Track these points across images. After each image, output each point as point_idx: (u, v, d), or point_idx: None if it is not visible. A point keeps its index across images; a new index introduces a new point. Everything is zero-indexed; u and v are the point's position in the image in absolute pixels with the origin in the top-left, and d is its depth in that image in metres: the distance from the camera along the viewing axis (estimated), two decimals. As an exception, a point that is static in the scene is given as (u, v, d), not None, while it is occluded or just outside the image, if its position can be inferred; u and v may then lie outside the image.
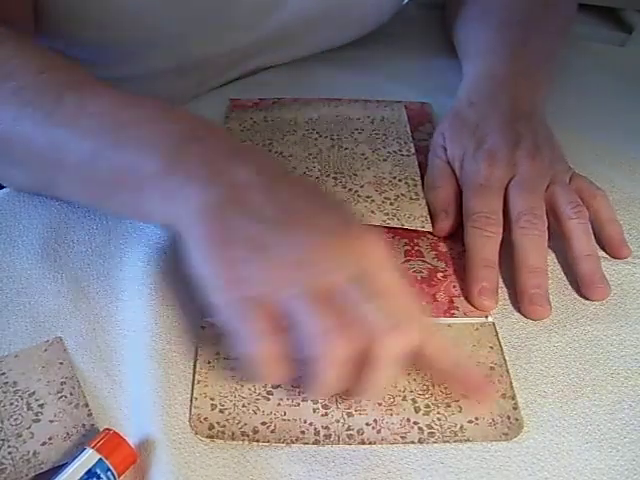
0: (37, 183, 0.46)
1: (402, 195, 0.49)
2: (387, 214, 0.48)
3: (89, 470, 0.34)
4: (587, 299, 0.44)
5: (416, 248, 0.47)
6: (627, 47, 0.68)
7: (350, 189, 0.49)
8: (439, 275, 0.45)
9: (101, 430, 0.36)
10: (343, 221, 0.36)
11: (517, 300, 0.44)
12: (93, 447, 0.35)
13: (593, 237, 0.46)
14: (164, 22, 0.54)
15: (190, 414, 0.38)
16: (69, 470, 0.34)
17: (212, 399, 0.38)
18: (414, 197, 0.49)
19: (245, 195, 0.35)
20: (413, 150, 0.54)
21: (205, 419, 0.38)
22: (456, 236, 0.48)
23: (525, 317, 0.43)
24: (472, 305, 0.43)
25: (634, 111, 0.57)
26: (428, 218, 0.48)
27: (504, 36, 0.57)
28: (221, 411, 0.38)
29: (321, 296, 0.33)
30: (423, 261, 0.46)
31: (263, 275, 0.33)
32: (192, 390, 0.39)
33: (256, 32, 0.59)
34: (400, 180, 0.51)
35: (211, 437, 0.37)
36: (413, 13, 0.68)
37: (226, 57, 0.61)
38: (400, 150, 0.54)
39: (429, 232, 0.48)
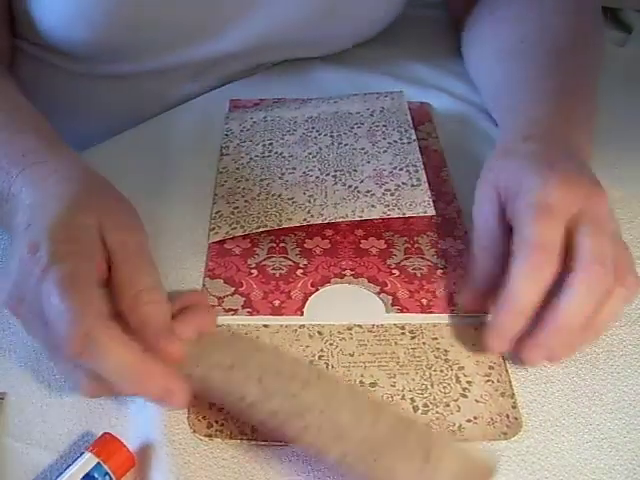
0: None
1: (403, 184, 0.49)
2: (387, 205, 0.47)
3: (87, 474, 0.34)
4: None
5: (416, 246, 0.47)
6: (627, 47, 0.68)
7: (350, 186, 0.49)
8: (439, 272, 0.45)
9: (99, 434, 0.36)
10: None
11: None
12: (91, 451, 0.35)
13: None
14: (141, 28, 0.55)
15: (188, 413, 0.38)
16: (67, 474, 0.34)
17: None
18: (415, 183, 0.48)
19: None
20: (414, 137, 0.53)
21: (204, 417, 0.37)
22: (456, 234, 0.48)
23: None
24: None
25: (634, 111, 0.57)
26: (430, 202, 0.47)
27: (551, 81, 0.51)
28: (219, 409, 0.38)
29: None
30: (423, 258, 0.46)
31: None
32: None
33: (224, 42, 0.59)
34: (401, 169, 0.50)
35: (209, 436, 0.37)
36: (413, 13, 0.68)
37: (196, 65, 0.61)
38: (401, 139, 0.53)
39: (429, 230, 0.48)
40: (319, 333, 0.42)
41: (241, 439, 0.37)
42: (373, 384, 0.39)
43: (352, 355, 0.41)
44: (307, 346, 0.41)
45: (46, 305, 0.35)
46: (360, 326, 0.42)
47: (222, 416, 0.38)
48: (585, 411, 0.39)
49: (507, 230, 0.41)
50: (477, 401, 0.38)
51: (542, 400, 0.39)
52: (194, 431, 0.37)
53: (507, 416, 0.38)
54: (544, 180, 0.40)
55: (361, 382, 0.39)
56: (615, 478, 0.36)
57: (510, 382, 0.39)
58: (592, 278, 0.37)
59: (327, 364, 0.40)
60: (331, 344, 0.41)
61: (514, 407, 0.38)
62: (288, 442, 0.36)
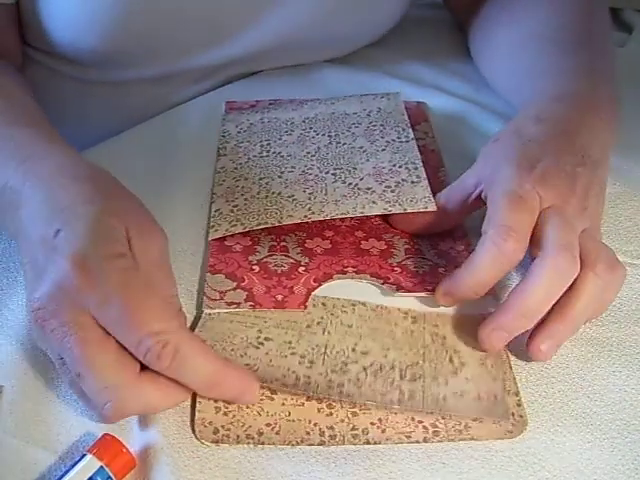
0: None
1: (403, 181, 0.49)
2: (388, 202, 0.47)
3: (90, 478, 0.34)
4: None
5: (416, 247, 0.47)
6: (627, 47, 0.68)
7: (350, 183, 0.49)
8: (440, 270, 0.45)
9: (99, 435, 0.36)
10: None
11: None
12: (93, 454, 0.34)
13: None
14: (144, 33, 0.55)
15: (194, 418, 0.37)
16: (68, 476, 0.34)
17: (216, 402, 0.38)
18: (415, 180, 0.48)
19: None
20: (412, 135, 0.53)
21: (210, 423, 0.37)
22: (456, 235, 0.48)
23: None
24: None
25: (634, 111, 0.57)
26: (431, 198, 0.47)
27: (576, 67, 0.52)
28: (225, 414, 0.37)
29: None
30: (424, 258, 0.46)
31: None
32: (195, 393, 0.38)
33: (232, 48, 0.59)
34: (400, 167, 0.50)
35: (216, 442, 0.36)
36: (413, 13, 0.68)
37: (200, 70, 0.61)
38: (399, 138, 0.53)
39: (430, 233, 0.47)
40: (323, 305, 0.43)
41: (248, 443, 0.36)
42: (365, 353, 0.40)
43: (350, 326, 0.41)
44: (308, 313, 0.42)
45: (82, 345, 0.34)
46: (364, 304, 0.43)
47: (228, 420, 0.37)
48: (586, 412, 0.39)
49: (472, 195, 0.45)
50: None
51: (543, 400, 0.39)
52: (200, 437, 0.36)
53: (512, 414, 0.38)
54: (519, 176, 0.42)
55: (353, 349, 0.40)
56: (616, 478, 0.36)
57: (514, 379, 0.39)
58: (559, 263, 0.38)
59: (324, 330, 0.41)
60: (332, 314, 0.42)
61: (519, 405, 0.38)
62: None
